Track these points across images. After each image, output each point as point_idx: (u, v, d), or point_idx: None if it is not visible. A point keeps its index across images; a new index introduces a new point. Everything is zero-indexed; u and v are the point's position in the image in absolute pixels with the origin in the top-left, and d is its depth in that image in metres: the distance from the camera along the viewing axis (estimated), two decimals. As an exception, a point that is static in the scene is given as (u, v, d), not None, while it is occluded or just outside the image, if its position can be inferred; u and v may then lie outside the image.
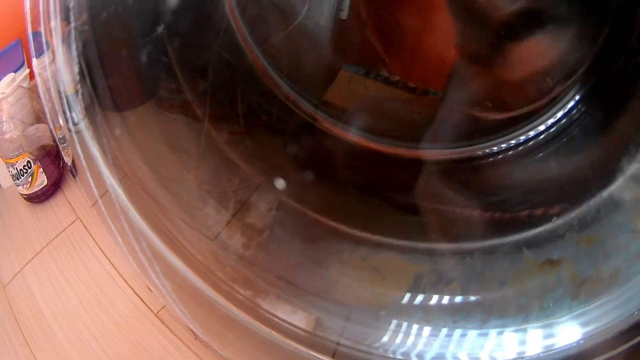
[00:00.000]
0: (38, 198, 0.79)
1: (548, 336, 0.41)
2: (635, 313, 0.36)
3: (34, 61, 0.47)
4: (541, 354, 0.41)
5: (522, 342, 0.42)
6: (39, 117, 0.81)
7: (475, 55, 0.52)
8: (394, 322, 0.46)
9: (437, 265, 0.49)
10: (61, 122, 0.48)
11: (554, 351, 0.41)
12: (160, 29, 0.55)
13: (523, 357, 0.42)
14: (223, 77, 0.59)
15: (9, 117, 0.75)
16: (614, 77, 0.46)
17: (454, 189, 0.52)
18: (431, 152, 0.56)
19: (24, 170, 0.77)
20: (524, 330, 0.43)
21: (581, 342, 0.39)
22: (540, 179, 0.50)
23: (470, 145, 0.54)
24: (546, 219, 0.45)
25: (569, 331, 0.40)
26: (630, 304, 0.37)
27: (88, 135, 0.49)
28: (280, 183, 0.55)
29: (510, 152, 0.52)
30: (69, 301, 0.67)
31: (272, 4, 0.60)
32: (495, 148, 0.53)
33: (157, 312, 0.64)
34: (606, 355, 0.37)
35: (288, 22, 0.59)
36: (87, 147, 0.49)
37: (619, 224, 0.42)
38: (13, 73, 0.80)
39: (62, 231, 0.75)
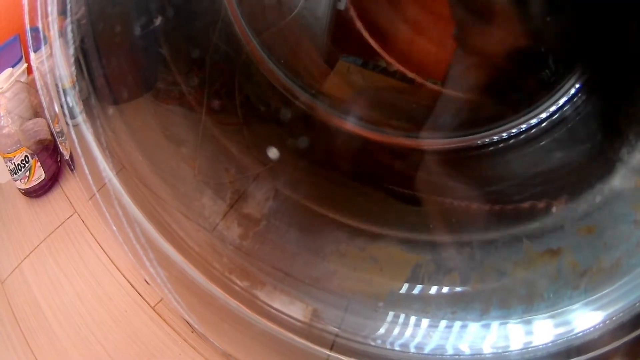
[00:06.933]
0: (36, 192, 0.79)
1: (554, 327, 0.41)
2: (637, 304, 0.36)
3: (32, 55, 0.47)
4: (541, 346, 0.41)
5: (529, 333, 0.42)
6: (36, 112, 0.81)
7: (474, 46, 0.52)
8: (392, 313, 0.46)
9: (435, 255, 0.48)
10: (59, 115, 0.48)
11: (555, 343, 0.40)
12: (157, 21, 0.55)
13: (529, 348, 0.41)
14: (221, 68, 0.59)
15: (6, 111, 0.75)
16: (614, 66, 0.45)
17: (454, 178, 0.51)
18: (431, 142, 0.55)
19: (22, 165, 0.77)
20: (529, 321, 0.42)
21: (580, 334, 0.39)
22: (541, 168, 0.49)
23: (470, 135, 0.53)
24: (547, 209, 0.45)
25: (571, 324, 0.40)
26: (632, 295, 0.37)
27: (85, 129, 0.49)
28: (273, 152, 0.55)
29: (511, 141, 0.52)
30: (66, 295, 0.67)
31: (270, -5, 0.60)
32: (495, 137, 0.53)
33: (154, 305, 0.63)
34: (608, 347, 0.36)
35: (286, 13, 0.59)
36: (84, 140, 0.49)
37: (620, 214, 0.42)
38: (11, 68, 0.80)
39: (60, 225, 0.74)
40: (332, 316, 0.47)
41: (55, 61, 0.46)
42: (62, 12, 0.45)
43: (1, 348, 0.65)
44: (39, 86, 0.48)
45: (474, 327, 0.44)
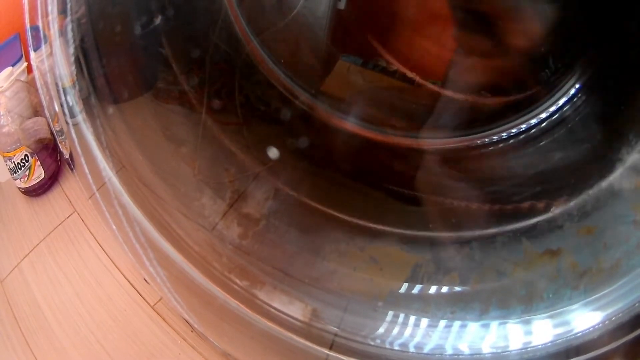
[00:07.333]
0: (35, 191, 0.79)
1: (554, 327, 0.41)
2: (637, 305, 0.36)
3: (32, 54, 0.47)
4: (540, 346, 0.41)
5: (528, 333, 0.42)
6: (36, 111, 0.81)
7: (474, 46, 0.52)
8: (391, 313, 0.46)
9: (435, 255, 0.48)
10: (59, 114, 0.48)
11: (555, 343, 0.40)
12: (158, 20, 0.55)
13: (528, 348, 0.41)
14: (221, 68, 0.59)
15: (6, 110, 0.75)
16: (614, 67, 0.45)
17: (454, 178, 0.51)
18: (430, 142, 0.55)
19: (22, 164, 0.77)
20: (528, 321, 0.42)
21: (579, 334, 0.39)
22: (540, 168, 0.49)
23: (470, 135, 0.54)
24: (546, 209, 0.45)
25: (571, 324, 0.40)
26: (631, 296, 0.37)
27: (85, 128, 0.49)
28: (273, 152, 0.55)
29: (511, 141, 0.52)
30: (66, 294, 0.67)
31: (270, -6, 0.60)
32: (495, 137, 0.53)
33: (154, 304, 0.63)
34: (607, 348, 0.36)
35: (286, 13, 0.59)
36: (84, 139, 0.49)
37: (619, 215, 0.42)
38: (11, 67, 0.80)
39: (60, 224, 0.74)
40: (331, 316, 0.47)
41: (55, 60, 0.46)
42: (62, 11, 0.45)
43: (0, 348, 0.64)
44: (39, 85, 0.48)
45: (473, 327, 0.44)
